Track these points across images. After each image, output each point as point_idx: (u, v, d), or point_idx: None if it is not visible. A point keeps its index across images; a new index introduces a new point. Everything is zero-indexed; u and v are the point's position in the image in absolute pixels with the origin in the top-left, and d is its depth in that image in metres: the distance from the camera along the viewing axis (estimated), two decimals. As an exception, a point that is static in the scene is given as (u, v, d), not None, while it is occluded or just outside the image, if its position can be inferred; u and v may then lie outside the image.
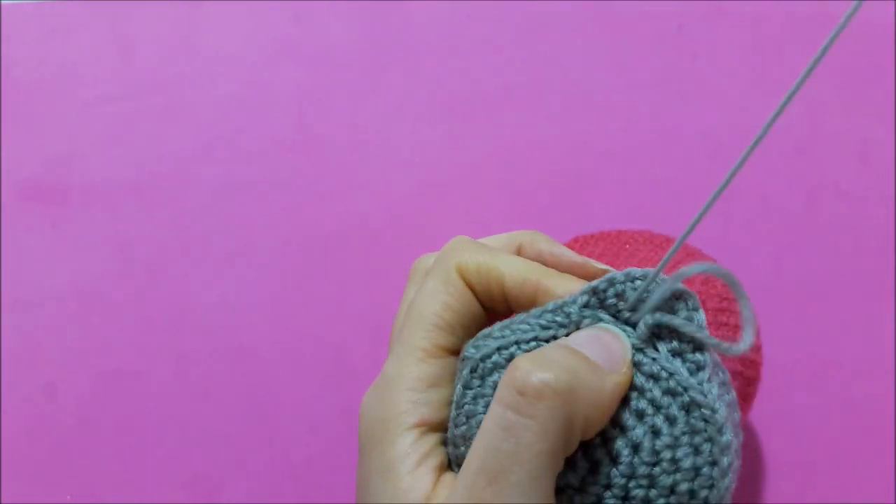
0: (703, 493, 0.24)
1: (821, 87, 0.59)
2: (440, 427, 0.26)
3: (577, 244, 0.46)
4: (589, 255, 0.44)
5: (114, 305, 0.55)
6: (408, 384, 0.25)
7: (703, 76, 0.59)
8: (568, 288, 0.26)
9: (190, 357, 0.54)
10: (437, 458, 0.25)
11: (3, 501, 0.50)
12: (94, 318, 0.55)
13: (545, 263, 0.28)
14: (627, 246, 0.44)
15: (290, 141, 0.59)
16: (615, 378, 0.24)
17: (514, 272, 0.27)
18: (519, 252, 0.31)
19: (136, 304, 0.55)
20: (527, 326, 0.26)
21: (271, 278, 0.56)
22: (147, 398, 0.53)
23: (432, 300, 0.27)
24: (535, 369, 0.22)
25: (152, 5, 0.63)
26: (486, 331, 0.27)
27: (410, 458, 0.24)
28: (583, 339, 0.25)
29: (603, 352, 0.24)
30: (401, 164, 0.58)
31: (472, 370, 0.26)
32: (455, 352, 0.27)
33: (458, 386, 0.26)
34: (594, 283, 0.26)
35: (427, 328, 0.26)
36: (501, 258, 0.27)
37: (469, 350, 0.27)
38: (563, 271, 0.28)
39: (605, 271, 0.28)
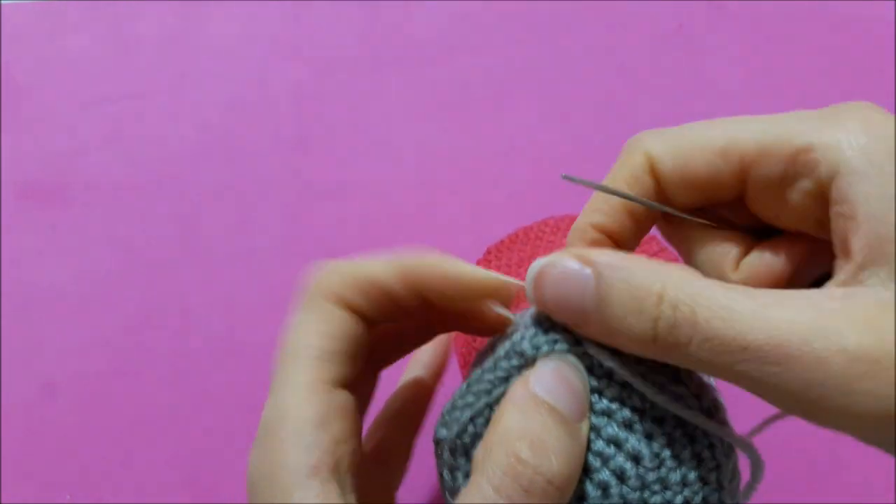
0: (697, 499, 0.23)
1: (821, 87, 0.59)
2: (340, 469, 0.23)
3: (492, 255, 0.45)
4: (508, 264, 0.43)
5: (114, 305, 0.55)
6: (293, 428, 0.22)
7: (703, 76, 0.59)
8: (486, 276, 0.24)
9: (190, 357, 0.54)
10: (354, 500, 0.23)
11: (3, 501, 0.50)
12: (94, 317, 0.55)
13: (446, 290, 0.25)
14: (538, 241, 0.43)
15: (290, 141, 0.59)
16: (584, 429, 0.23)
17: (384, 269, 0.25)
18: (406, 280, 0.26)
19: (136, 304, 0.55)
20: (489, 385, 0.24)
21: (271, 278, 0.56)
22: (147, 398, 0.53)
23: (304, 332, 0.24)
24: (540, 464, 0.21)
25: (152, 5, 0.63)
26: (448, 405, 0.26)
27: (330, 497, 0.21)
28: (550, 385, 0.22)
29: (571, 397, 0.23)
30: (401, 163, 0.58)
31: (452, 450, 0.25)
32: (342, 384, 0.24)
33: (444, 471, 0.25)
34: (530, 311, 0.25)
35: (305, 362, 0.24)
36: (377, 264, 0.25)
37: (441, 432, 0.25)
38: (476, 296, 0.25)
39: (518, 285, 0.26)
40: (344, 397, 0.24)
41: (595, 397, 0.24)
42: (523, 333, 0.24)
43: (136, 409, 0.53)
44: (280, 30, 0.62)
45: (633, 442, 0.23)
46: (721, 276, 0.24)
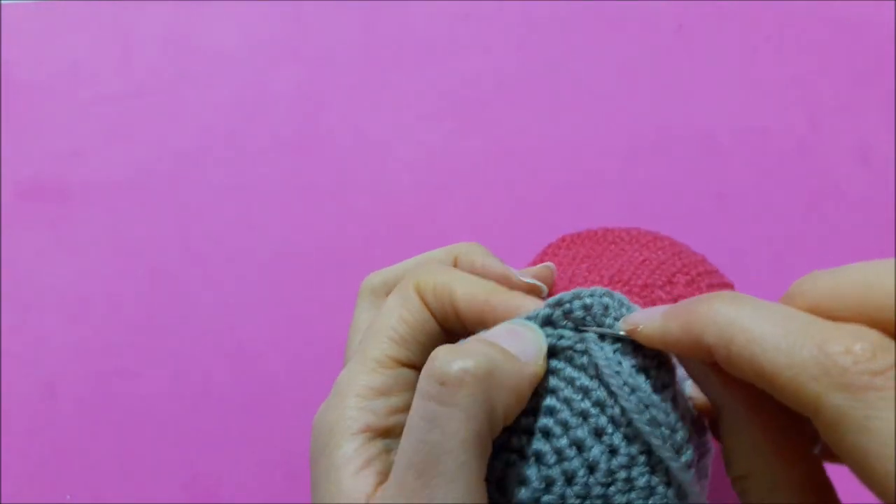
0: None
1: (821, 87, 0.59)
2: (388, 434, 0.26)
3: (564, 243, 0.46)
4: (574, 256, 0.44)
5: (114, 305, 0.55)
6: (356, 391, 0.26)
7: (703, 76, 0.59)
8: (515, 303, 0.27)
9: (190, 357, 0.54)
10: (382, 462, 0.25)
11: (3, 501, 0.50)
12: (94, 318, 0.55)
13: (477, 275, 0.29)
14: (613, 245, 0.44)
15: (290, 141, 0.59)
16: (531, 368, 0.24)
17: (465, 290, 0.27)
18: (455, 264, 0.31)
19: (136, 304, 0.55)
20: None
21: (271, 277, 0.56)
22: (147, 398, 0.53)
23: (390, 315, 0.28)
24: (454, 358, 0.22)
25: (152, 5, 0.63)
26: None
27: (354, 461, 0.24)
28: (498, 332, 0.25)
29: (518, 343, 0.24)
30: (401, 163, 0.58)
31: None
32: (408, 364, 0.27)
33: None
34: (551, 301, 0.26)
35: (381, 340, 0.27)
36: (457, 277, 0.28)
37: None
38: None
39: (528, 284, 0.29)
40: (411, 375, 0.27)
41: (579, 396, 0.24)
42: (538, 312, 0.25)
43: (136, 409, 0.53)
44: (280, 30, 0.62)
45: (596, 452, 0.23)
46: None
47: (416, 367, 0.27)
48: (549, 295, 0.32)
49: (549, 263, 0.34)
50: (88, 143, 0.59)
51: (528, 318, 0.25)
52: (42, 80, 0.61)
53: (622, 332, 0.24)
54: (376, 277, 0.32)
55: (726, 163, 0.57)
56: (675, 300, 0.39)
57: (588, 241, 0.45)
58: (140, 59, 0.62)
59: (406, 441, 0.22)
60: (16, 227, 0.57)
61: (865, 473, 0.17)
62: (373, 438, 0.25)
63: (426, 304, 0.28)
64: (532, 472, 0.23)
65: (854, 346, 0.18)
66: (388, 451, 0.25)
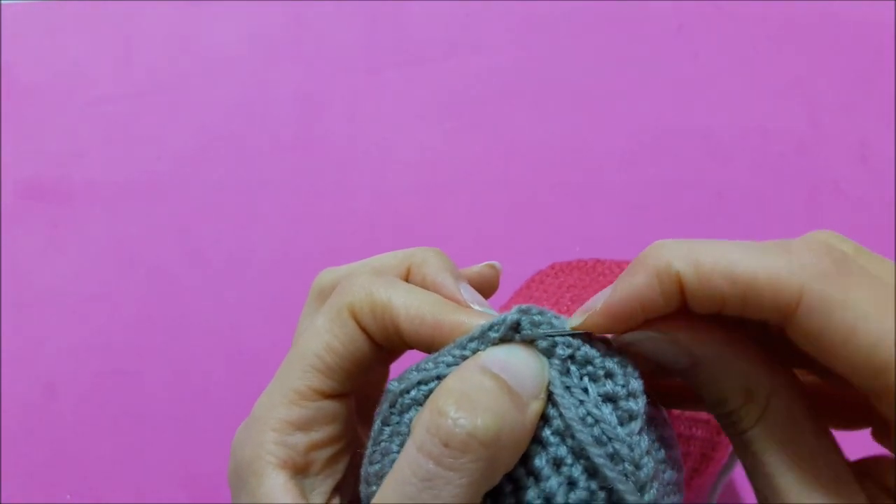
0: None
1: (821, 87, 0.59)
2: (305, 470, 0.24)
3: (553, 271, 0.45)
4: (560, 284, 0.43)
5: (114, 305, 0.55)
6: (273, 426, 0.24)
7: (703, 76, 0.59)
8: (469, 324, 0.24)
9: (189, 357, 0.54)
10: (320, 499, 0.24)
11: (3, 501, 0.50)
12: (94, 318, 0.55)
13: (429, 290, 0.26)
14: (601, 277, 0.43)
15: (289, 141, 0.59)
16: (535, 406, 0.22)
17: (409, 311, 0.24)
18: (408, 275, 0.28)
19: (135, 304, 0.55)
20: (451, 359, 0.23)
21: (270, 277, 0.55)
22: (147, 398, 0.53)
23: (317, 339, 0.25)
24: (462, 415, 0.20)
25: (152, 5, 0.63)
26: (414, 364, 0.25)
27: (287, 494, 0.23)
28: (501, 359, 0.22)
29: (523, 372, 0.22)
30: (401, 163, 0.58)
31: (392, 405, 0.24)
32: (332, 395, 0.25)
33: (377, 420, 0.24)
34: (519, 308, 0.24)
35: (304, 369, 0.25)
36: (399, 294, 0.25)
37: (392, 383, 0.24)
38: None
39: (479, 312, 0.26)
40: (334, 407, 0.25)
41: (540, 423, 0.22)
42: (504, 317, 0.23)
43: (135, 410, 0.53)
44: (281, 31, 0.62)
45: (553, 483, 0.22)
46: None
47: (342, 396, 0.25)
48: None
49: (494, 262, 0.31)
50: (89, 144, 0.59)
51: (493, 325, 0.23)
52: (42, 81, 0.61)
53: (577, 325, 0.23)
54: (327, 277, 0.29)
55: (726, 162, 0.57)
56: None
57: (577, 272, 0.44)
58: (140, 60, 0.62)
59: (390, 492, 0.20)
60: (16, 227, 0.57)
61: (850, 347, 0.19)
62: (296, 476, 0.24)
63: (362, 327, 0.25)
64: (487, 501, 0.22)
65: (820, 244, 0.20)
66: (308, 491, 0.24)
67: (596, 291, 0.41)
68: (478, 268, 0.30)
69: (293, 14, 0.62)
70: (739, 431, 0.22)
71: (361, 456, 0.25)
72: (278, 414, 0.24)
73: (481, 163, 0.58)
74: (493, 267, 0.30)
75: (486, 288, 0.29)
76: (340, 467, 0.25)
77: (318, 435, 0.25)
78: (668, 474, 0.23)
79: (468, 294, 0.27)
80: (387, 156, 0.58)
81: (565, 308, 0.40)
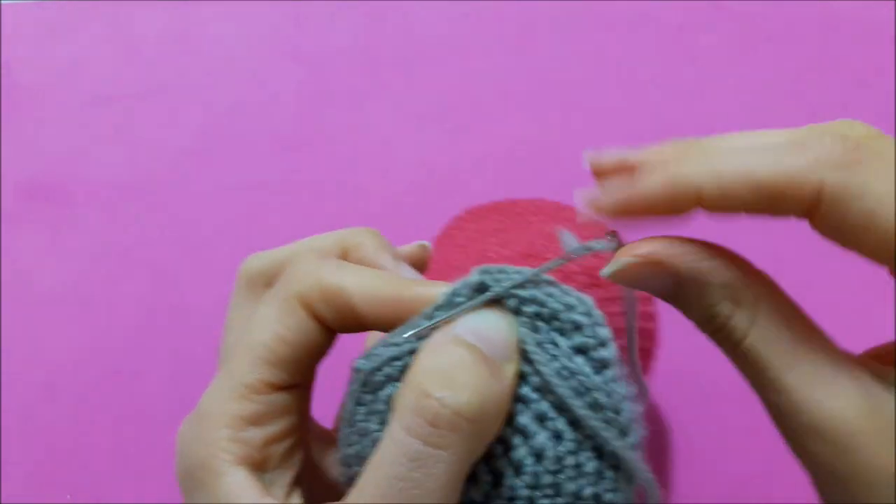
0: (608, 496, 0.22)
1: (821, 87, 0.59)
2: (263, 466, 0.24)
3: (470, 216, 0.44)
4: (482, 228, 0.42)
5: (113, 305, 0.55)
6: (226, 422, 0.23)
7: (703, 76, 0.59)
8: (432, 293, 0.24)
9: (189, 357, 0.54)
10: (280, 493, 0.24)
11: (3, 501, 0.50)
12: (94, 318, 0.55)
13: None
14: (519, 218, 0.42)
15: (289, 141, 0.59)
16: (510, 369, 0.22)
17: (365, 292, 0.24)
18: (345, 256, 0.28)
19: (135, 304, 0.55)
20: (420, 330, 0.23)
21: (271, 278, 0.56)
22: (147, 398, 0.53)
23: (264, 330, 0.24)
24: (447, 393, 0.20)
25: (152, 5, 0.63)
26: (379, 339, 0.25)
27: (249, 492, 0.23)
28: (472, 326, 0.22)
29: (495, 337, 0.22)
30: (400, 163, 0.58)
31: (363, 384, 0.24)
32: (284, 387, 0.24)
33: (349, 401, 0.24)
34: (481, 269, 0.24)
35: (254, 362, 0.24)
36: (350, 277, 0.24)
37: (359, 362, 0.24)
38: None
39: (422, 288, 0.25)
40: (287, 399, 0.24)
41: (517, 382, 0.23)
42: (467, 281, 0.24)
43: (136, 410, 0.53)
44: (280, 30, 0.62)
45: (541, 438, 0.22)
46: None
47: (294, 387, 0.25)
48: (438, 273, 0.30)
49: (424, 242, 0.31)
50: (88, 143, 0.59)
51: (457, 291, 0.23)
52: (42, 81, 0.61)
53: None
54: (255, 263, 0.28)
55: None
56: (588, 271, 0.38)
57: (494, 214, 0.43)
58: (140, 59, 0.62)
59: (379, 472, 0.21)
60: (16, 227, 0.57)
61: (870, 232, 0.20)
62: (255, 471, 0.23)
63: (314, 315, 0.24)
64: (479, 467, 0.22)
65: (833, 134, 0.20)
66: (271, 485, 0.24)
67: (519, 234, 0.40)
68: (409, 248, 0.31)
69: (293, 14, 0.62)
70: (735, 343, 0.22)
71: (318, 445, 0.26)
72: (230, 409, 0.24)
73: (481, 162, 0.58)
74: (423, 247, 0.31)
75: (417, 268, 0.29)
76: (297, 459, 0.25)
77: (273, 428, 0.24)
78: (639, 409, 0.24)
79: (408, 273, 0.27)
80: (387, 156, 0.58)
81: (494, 254, 0.39)
